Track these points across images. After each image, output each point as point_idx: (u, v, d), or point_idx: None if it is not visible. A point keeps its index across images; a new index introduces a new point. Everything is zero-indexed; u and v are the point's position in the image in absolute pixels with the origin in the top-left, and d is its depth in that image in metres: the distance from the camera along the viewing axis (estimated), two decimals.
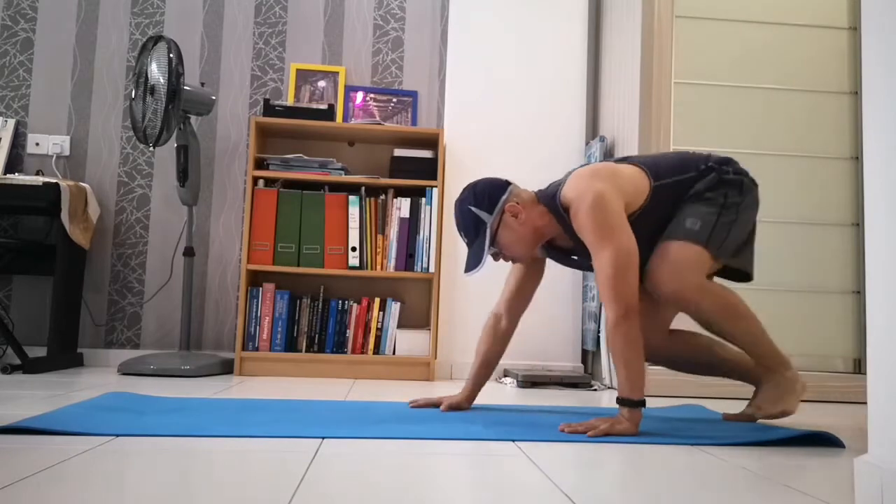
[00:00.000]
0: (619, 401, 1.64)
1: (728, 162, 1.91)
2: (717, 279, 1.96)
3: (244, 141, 3.30)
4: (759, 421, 1.92)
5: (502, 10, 3.31)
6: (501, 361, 3.16)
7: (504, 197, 1.85)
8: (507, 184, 1.89)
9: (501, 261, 1.92)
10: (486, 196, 1.85)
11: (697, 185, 1.85)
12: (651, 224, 1.84)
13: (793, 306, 2.73)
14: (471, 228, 1.85)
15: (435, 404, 2.04)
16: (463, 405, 2.04)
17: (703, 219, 1.80)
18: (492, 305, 3.19)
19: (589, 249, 1.73)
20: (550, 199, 1.86)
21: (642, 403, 1.64)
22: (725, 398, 2.63)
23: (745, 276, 1.98)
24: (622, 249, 1.68)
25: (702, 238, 1.78)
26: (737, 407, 2.35)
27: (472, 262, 1.83)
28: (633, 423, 1.62)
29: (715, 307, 1.80)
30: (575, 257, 1.99)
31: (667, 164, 1.88)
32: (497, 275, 3.19)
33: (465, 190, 1.89)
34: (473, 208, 1.84)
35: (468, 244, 1.87)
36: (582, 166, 1.90)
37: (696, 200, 1.83)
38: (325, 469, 1.21)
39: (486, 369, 2.08)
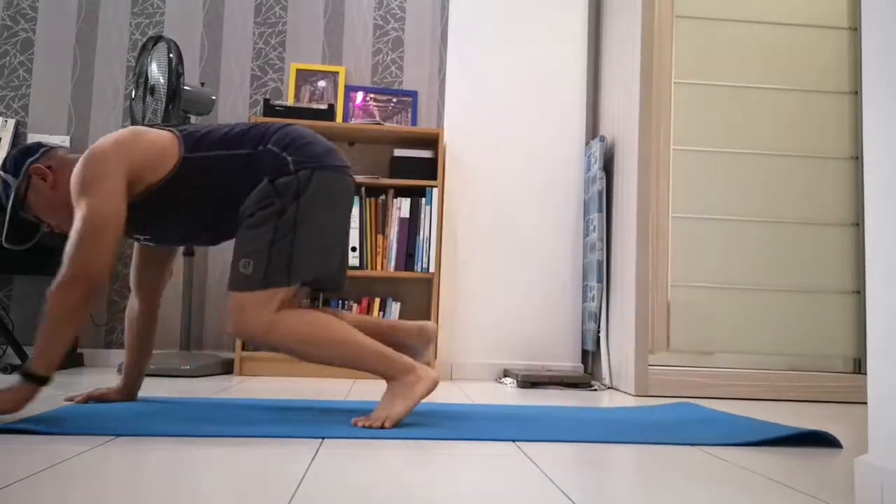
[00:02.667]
0: (21, 370, 1.51)
1: (289, 145, 1.70)
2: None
3: None
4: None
5: (502, 9, 3.31)
6: (501, 361, 3.18)
7: (31, 159, 1.71)
8: (41, 146, 1.75)
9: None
10: (13, 160, 1.72)
11: (250, 196, 1.67)
12: (195, 196, 1.71)
13: (793, 306, 2.73)
14: (3, 195, 1.74)
15: (90, 397, 1.91)
16: (110, 396, 1.91)
17: (255, 256, 1.62)
18: (492, 305, 3.20)
19: None
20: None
21: (42, 380, 1.49)
22: (726, 398, 2.63)
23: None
24: (93, 210, 1.55)
25: (257, 283, 1.61)
26: (736, 407, 2.36)
27: (7, 231, 1.73)
28: (19, 397, 1.48)
29: (287, 339, 1.63)
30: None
31: (218, 137, 1.72)
32: (498, 273, 3.19)
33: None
34: (1, 173, 1.72)
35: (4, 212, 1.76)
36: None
37: (247, 226, 1.66)
38: (325, 469, 1.21)
39: (132, 355, 1.94)
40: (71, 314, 1.51)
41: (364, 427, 1.59)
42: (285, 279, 1.64)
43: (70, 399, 1.92)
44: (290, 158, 1.68)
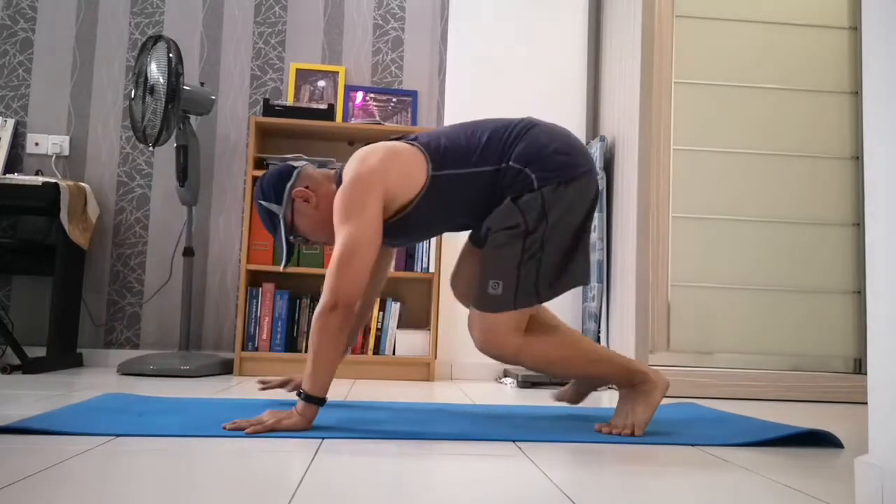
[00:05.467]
0: (298, 392, 1.58)
1: (532, 160, 1.66)
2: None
3: (244, 141, 3.30)
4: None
5: (502, 9, 3.31)
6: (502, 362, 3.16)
7: (290, 183, 1.75)
8: (293, 169, 1.78)
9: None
10: (272, 187, 1.76)
11: (494, 213, 1.67)
12: (443, 213, 1.73)
13: (793, 306, 2.73)
14: (268, 224, 1.78)
15: (284, 383, 1.98)
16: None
17: (504, 277, 1.64)
18: None
19: None
20: (339, 178, 1.76)
21: (320, 401, 1.55)
22: (726, 398, 2.63)
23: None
24: (353, 238, 1.58)
25: (507, 304, 1.65)
26: (736, 407, 2.35)
27: (282, 256, 1.78)
28: (303, 419, 1.54)
29: (537, 361, 1.71)
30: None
31: (460, 152, 1.70)
32: None
33: (256, 185, 1.80)
34: (263, 203, 1.76)
35: (276, 239, 1.77)
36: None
37: (494, 245, 1.67)
38: (325, 469, 1.21)
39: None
40: (333, 337, 1.56)
41: (610, 434, 1.63)
42: (534, 299, 1.68)
43: (264, 385, 2.00)
44: (533, 176, 1.65)
